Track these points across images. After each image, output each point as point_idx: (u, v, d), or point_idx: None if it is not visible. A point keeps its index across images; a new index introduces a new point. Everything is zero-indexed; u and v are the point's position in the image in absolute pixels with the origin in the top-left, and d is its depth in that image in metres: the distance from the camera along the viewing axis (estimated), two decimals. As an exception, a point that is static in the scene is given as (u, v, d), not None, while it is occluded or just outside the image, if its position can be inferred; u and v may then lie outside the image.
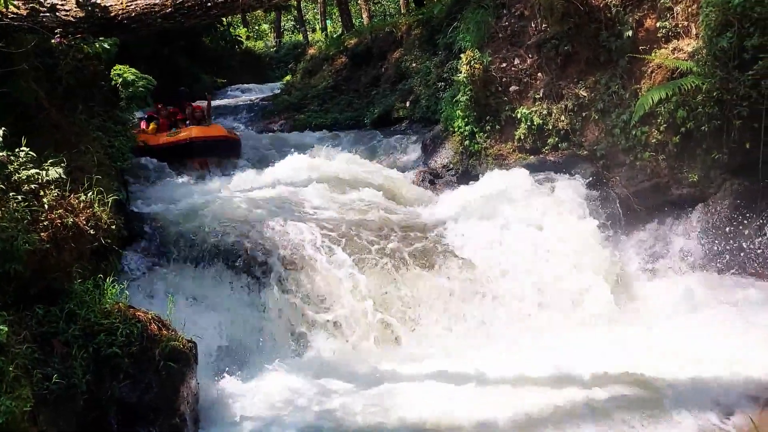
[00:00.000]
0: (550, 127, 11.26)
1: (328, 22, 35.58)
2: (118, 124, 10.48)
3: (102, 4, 7.03)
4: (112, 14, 7.08)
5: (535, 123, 11.34)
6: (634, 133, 10.16)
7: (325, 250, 8.78)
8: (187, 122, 14.66)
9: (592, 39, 10.91)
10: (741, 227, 9.26)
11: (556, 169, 10.96)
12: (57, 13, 6.97)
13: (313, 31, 38.24)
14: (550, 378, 6.91)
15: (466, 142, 12.22)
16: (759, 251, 9.04)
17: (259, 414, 6.56)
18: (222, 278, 8.37)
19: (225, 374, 7.25)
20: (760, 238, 9.08)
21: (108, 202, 7.42)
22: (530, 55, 11.73)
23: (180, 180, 12.60)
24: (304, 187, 11.27)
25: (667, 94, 9.47)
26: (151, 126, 14.23)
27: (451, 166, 12.53)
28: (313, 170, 12.40)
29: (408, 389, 6.87)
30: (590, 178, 10.56)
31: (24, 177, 6.22)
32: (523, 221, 9.58)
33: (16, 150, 6.32)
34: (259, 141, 16.38)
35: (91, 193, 7.21)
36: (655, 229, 10.09)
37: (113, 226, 7.40)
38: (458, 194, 11.20)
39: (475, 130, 12.07)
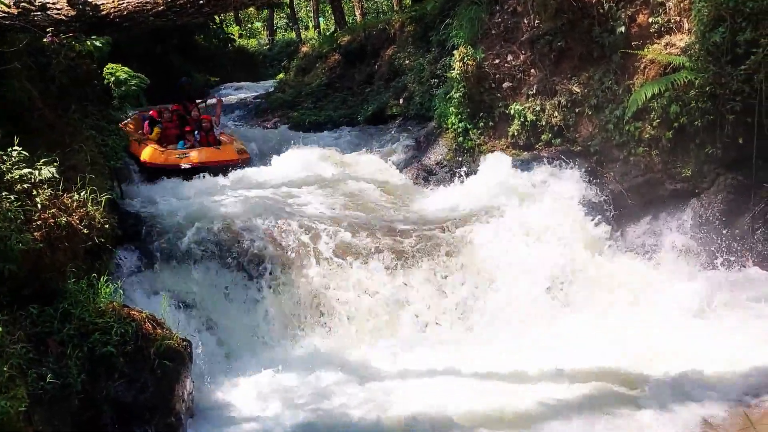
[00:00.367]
0: (544, 123, 11.27)
1: (321, 19, 35.55)
2: (112, 122, 10.45)
3: (93, 3, 6.99)
4: (104, 12, 7.04)
5: (528, 119, 11.35)
6: (627, 128, 10.18)
7: (319, 247, 8.78)
8: (195, 133, 13.86)
9: (585, 35, 10.91)
10: (734, 222, 9.29)
11: (549, 165, 10.95)
12: (48, 12, 6.94)
13: (306, 28, 38.19)
14: (545, 373, 6.95)
15: (460, 139, 12.23)
16: (752, 245, 9.08)
17: (254, 411, 6.58)
18: (216, 276, 8.37)
19: (220, 372, 7.25)
20: (752, 232, 9.11)
21: (101, 201, 7.40)
22: (523, 52, 11.74)
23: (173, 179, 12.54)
24: (298, 185, 11.27)
25: (660, 89, 9.49)
26: (155, 131, 13.66)
27: (445, 162, 12.53)
28: (307, 168, 12.41)
29: (403, 385, 6.90)
30: (584, 174, 10.56)
31: (17, 176, 6.21)
32: (519, 216, 9.59)
33: (9, 149, 6.31)
34: (254, 139, 16.33)
35: (84, 192, 7.18)
36: (649, 224, 10.12)
37: (107, 225, 7.38)
38: (452, 190, 11.22)
39: (469, 126, 12.08)
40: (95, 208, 7.24)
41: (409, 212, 10.41)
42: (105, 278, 6.52)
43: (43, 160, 6.59)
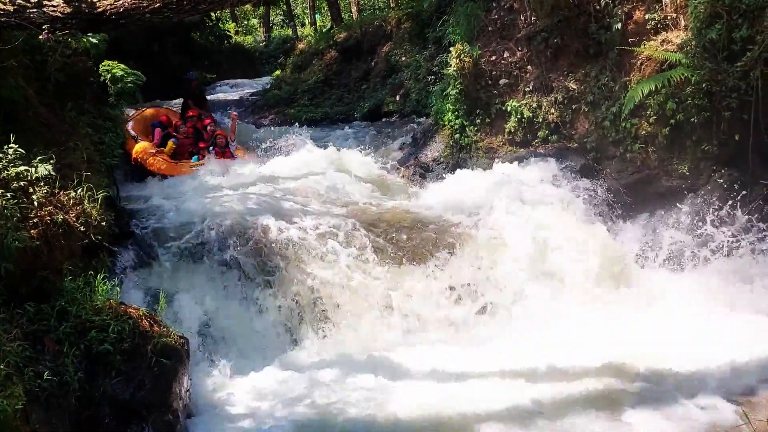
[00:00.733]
0: (540, 120, 11.28)
1: (318, 16, 35.43)
2: (108, 120, 10.42)
3: (90, 0, 6.98)
4: (100, 9, 7.02)
5: (525, 116, 11.37)
6: (623, 125, 10.19)
7: (317, 245, 8.78)
8: (210, 149, 13.38)
9: (581, 31, 10.93)
10: (730, 218, 9.30)
11: (546, 162, 10.96)
12: (44, 9, 6.91)
13: (303, 25, 38.11)
14: (545, 369, 6.95)
15: (457, 136, 12.23)
16: (748, 242, 9.09)
17: (252, 409, 6.57)
18: (214, 274, 8.35)
19: (218, 370, 7.25)
20: (749, 229, 9.12)
21: (98, 198, 7.38)
22: (520, 48, 11.75)
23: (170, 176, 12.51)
24: (295, 183, 11.26)
25: (656, 86, 9.51)
26: (169, 145, 13.08)
27: (442, 159, 12.54)
28: (304, 165, 12.39)
29: (402, 384, 6.89)
30: (581, 171, 10.58)
31: (13, 174, 6.20)
32: (516, 214, 9.59)
33: (5, 147, 6.30)
34: (250, 136, 16.32)
35: (80, 189, 7.17)
36: (646, 221, 10.13)
37: (104, 223, 7.36)
38: (449, 186, 11.22)
39: (466, 123, 12.09)
40: (92, 205, 7.22)
41: (406, 209, 10.38)
42: (102, 276, 6.51)
43: (39, 158, 6.58)
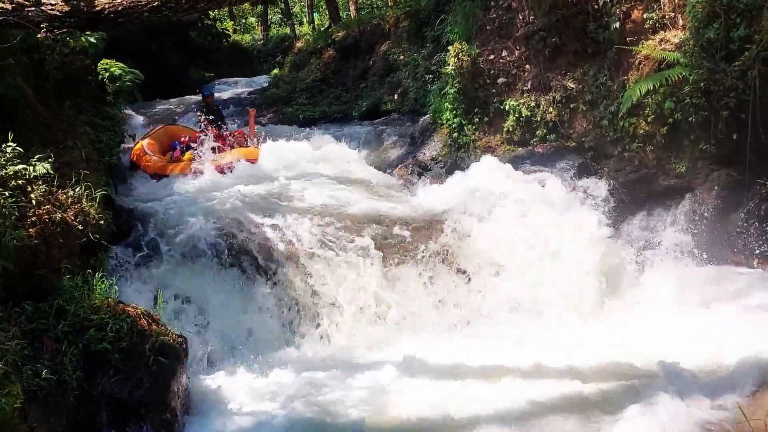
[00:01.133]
0: (539, 119, 11.29)
1: (316, 14, 35.43)
2: (106, 119, 10.43)
3: (88, -2, 6.98)
4: (99, 8, 7.02)
5: (523, 115, 11.37)
6: (621, 124, 10.20)
7: (315, 244, 8.78)
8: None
9: (579, 31, 10.93)
10: (728, 217, 9.32)
11: (544, 161, 10.97)
12: (42, 7, 6.91)
13: (301, 24, 38.09)
14: (543, 371, 6.94)
15: (455, 135, 12.23)
16: (745, 241, 9.11)
17: (250, 408, 6.58)
18: (211, 273, 8.34)
19: (215, 369, 7.26)
20: (746, 228, 9.14)
21: (96, 197, 7.38)
22: (518, 47, 11.75)
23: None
24: (293, 182, 11.25)
25: (654, 85, 9.51)
26: (188, 155, 12.55)
27: (440, 158, 12.54)
28: (302, 164, 12.37)
29: (401, 384, 6.89)
30: (578, 170, 10.58)
31: (11, 173, 6.20)
32: (513, 213, 9.59)
33: (3, 146, 6.30)
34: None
35: (79, 188, 7.17)
36: (644, 220, 10.14)
37: (102, 222, 7.36)
38: (447, 185, 11.22)
39: (464, 122, 12.09)
40: (90, 204, 7.23)
41: (404, 208, 10.37)
42: (100, 275, 6.51)
43: (37, 156, 6.58)
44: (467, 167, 11.45)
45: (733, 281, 8.70)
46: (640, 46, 10.18)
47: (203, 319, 7.90)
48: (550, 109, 11.14)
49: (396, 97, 16.74)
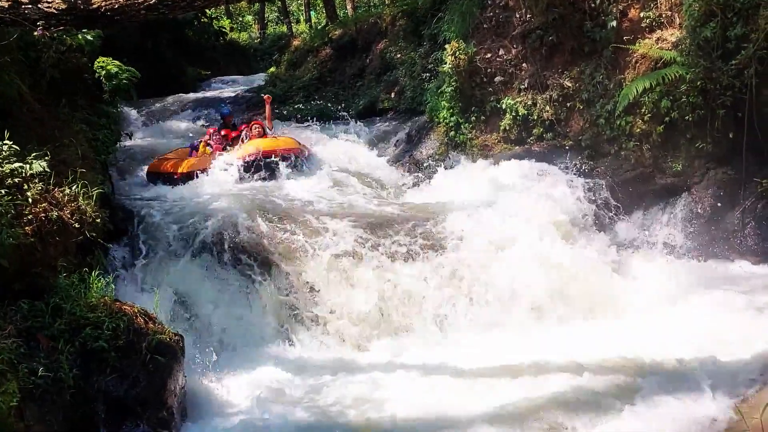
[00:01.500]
0: (535, 118, 11.29)
1: (313, 13, 35.37)
2: (102, 116, 10.40)
3: (84, -4, 6.95)
4: (95, 6, 6.99)
5: (520, 113, 11.37)
6: (618, 123, 10.21)
7: (311, 243, 8.76)
8: (244, 141, 12.38)
9: (576, 29, 10.94)
10: (724, 216, 9.34)
11: (541, 160, 10.98)
12: (39, 5, 6.87)
13: (297, 22, 38.01)
14: (541, 367, 6.94)
15: (452, 133, 12.23)
16: (742, 239, 9.13)
17: (247, 407, 6.55)
18: (210, 272, 8.33)
19: (213, 368, 7.23)
20: (743, 227, 9.16)
21: (93, 195, 7.37)
22: (515, 46, 11.75)
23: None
24: (291, 180, 11.25)
25: (651, 84, 9.53)
26: (202, 147, 12.56)
27: (437, 156, 12.53)
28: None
29: (398, 383, 6.88)
30: (575, 169, 10.59)
31: (7, 171, 6.18)
32: (511, 211, 9.59)
33: (-1, 144, 6.28)
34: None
35: (75, 186, 7.16)
36: (640, 218, 10.16)
37: (98, 220, 7.35)
38: (444, 184, 11.23)
39: (461, 120, 12.09)
40: (86, 202, 7.22)
41: (401, 207, 10.39)
42: (96, 273, 6.50)
43: (33, 154, 6.56)
44: (464, 166, 11.46)
45: (729, 280, 8.72)
46: (637, 44, 10.19)
47: (200, 318, 7.89)
48: (547, 108, 11.14)
49: (393, 95, 16.73)
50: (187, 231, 8.70)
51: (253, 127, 12.51)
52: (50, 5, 6.92)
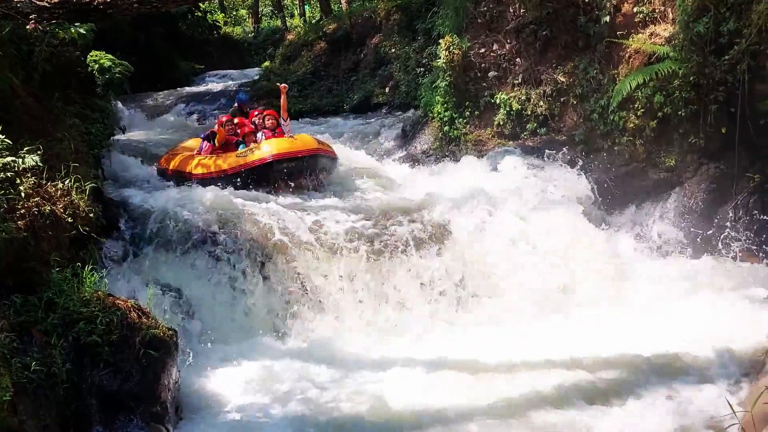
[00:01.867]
0: (529, 113, 11.31)
1: (307, 7, 35.28)
2: (96, 111, 10.37)
3: (77, -10, 6.95)
4: None
5: (513, 108, 11.38)
6: (612, 118, 10.24)
7: (305, 237, 8.75)
8: (259, 134, 11.15)
9: (570, 24, 10.96)
10: (717, 210, 9.37)
11: (535, 155, 10.99)
12: (31, -1, 6.89)
13: (292, 16, 37.93)
14: (538, 362, 6.95)
15: (446, 128, 12.24)
16: (734, 234, 9.16)
17: (242, 401, 6.56)
18: (203, 266, 8.32)
19: (207, 362, 7.23)
20: (735, 221, 9.19)
21: (86, 189, 7.34)
22: (509, 41, 11.75)
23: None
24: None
25: (644, 79, 9.56)
26: (219, 132, 11.37)
27: (431, 151, 12.55)
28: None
29: (395, 377, 6.88)
30: (569, 163, 10.61)
31: (0, 165, 6.15)
32: (508, 206, 9.60)
33: (-8, 138, 6.25)
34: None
35: (68, 180, 7.13)
36: (633, 213, 10.19)
37: (91, 214, 7.32)
38: (438, 178, 11.23)
39: (455, 115, 12.10)
40: (79, 196, 7.19)
41: (396, 201, 10.38)
42: (89, 267, 6.47)
43: (26, 149, 6.53)
44: (458, 160, 11.48)
45: (721, 274, 8.75)
46: (631, 39, 10.21)
47: (194, 312, 7.88)
48: (541, 103, 11.16)
49: (387, 90, 16.74)
50: (180, 225, 8.66)
51: (266, 118, 11.34)
52: (43, -1, 6.91)
